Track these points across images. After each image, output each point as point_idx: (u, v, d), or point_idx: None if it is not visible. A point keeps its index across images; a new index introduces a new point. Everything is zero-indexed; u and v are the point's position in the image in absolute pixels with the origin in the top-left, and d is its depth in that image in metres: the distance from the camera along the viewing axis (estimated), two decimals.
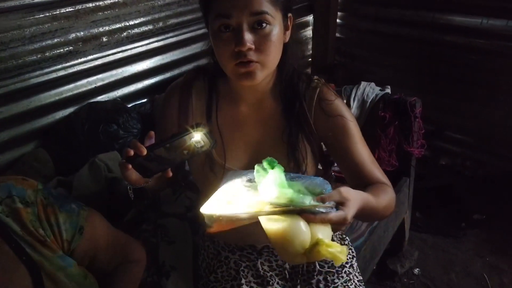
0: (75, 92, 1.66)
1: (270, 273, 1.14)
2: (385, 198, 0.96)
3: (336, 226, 0.75)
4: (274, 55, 0.93)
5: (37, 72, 1.52)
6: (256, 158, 1.05)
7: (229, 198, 0.79)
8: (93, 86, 1.71)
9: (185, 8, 1.99)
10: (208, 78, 1.09)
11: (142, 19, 1.83)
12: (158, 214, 1.41)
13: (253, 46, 0.88)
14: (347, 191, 0.77)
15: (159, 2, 1.87)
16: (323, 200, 0.73)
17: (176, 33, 1.99)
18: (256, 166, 0.79)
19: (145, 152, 0.82)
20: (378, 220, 1.18)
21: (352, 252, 1.24)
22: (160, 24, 1.91)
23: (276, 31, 0.90)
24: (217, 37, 0.90)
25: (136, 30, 1.82)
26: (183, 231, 1.32)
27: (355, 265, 1.21)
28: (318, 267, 1.16)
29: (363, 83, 1.93)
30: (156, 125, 1.16)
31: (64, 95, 1.63)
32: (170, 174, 0.90)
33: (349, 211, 0.75)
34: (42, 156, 1.54)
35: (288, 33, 0.98)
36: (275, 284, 1.12)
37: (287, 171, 0.87)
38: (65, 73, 1.60)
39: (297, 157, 1.04)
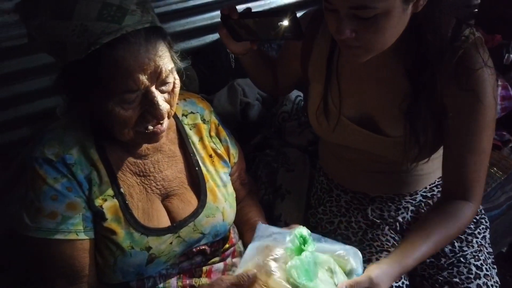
0: None
1: (380, 220, 1.13)
2: (440, 237, 0.90)
3: None
4: (381, 40, 0.82)
5: None
6: (370, 116, 1.00)
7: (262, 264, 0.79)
8: None
9: None
10: None
11: None
12: (281, 143, 1.49)
13: (352, 35, 0.79)
14: (378, 278, 0.77)
15: None
16: None
17: None
18: (289, 235, 0.78)
19: (236, 15, 0.91)
20: None
21: (486, 222, 1.14)
22: None
23: (383, 16, 0.76)
24: (325, 13, 0.84)
25: None
26: (302, 162, 1.38)
27: (488, 236, 1.11)
28: None
29: None
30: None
31: (215, 20, 1.71)
32: (255, 47, 1.01)
33: None
34: (191, 73, 1.71)
35: (423, 1, 0.79)
36: (385, 230, 1.11)
37: (401, 144, 0.86)
38: None
39: (417, 128, 0.91)
